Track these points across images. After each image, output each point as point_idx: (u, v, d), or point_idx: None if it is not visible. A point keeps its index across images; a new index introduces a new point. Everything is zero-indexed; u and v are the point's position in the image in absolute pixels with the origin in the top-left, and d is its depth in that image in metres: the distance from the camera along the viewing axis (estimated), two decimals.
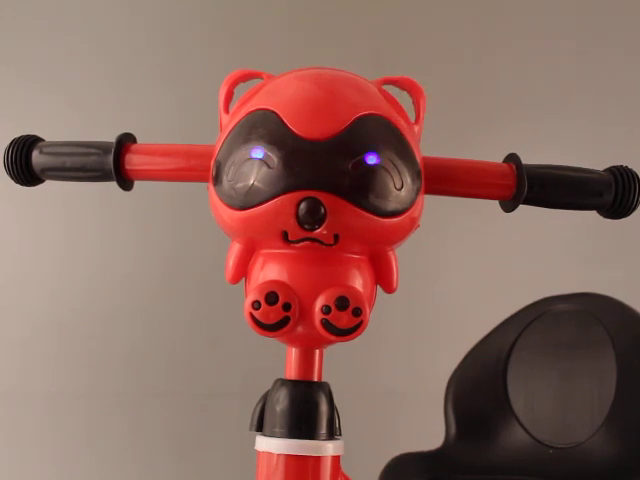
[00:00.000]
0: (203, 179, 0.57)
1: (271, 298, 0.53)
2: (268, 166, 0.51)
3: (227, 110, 0.58)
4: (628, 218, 0.60)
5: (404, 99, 0.59)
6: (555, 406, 0.85)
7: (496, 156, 0.62)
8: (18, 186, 0.63)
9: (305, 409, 0.58)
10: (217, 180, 0.54)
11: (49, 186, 0.64)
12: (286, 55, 1.35)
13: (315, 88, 0.54)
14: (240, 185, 0.52)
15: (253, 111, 0.54)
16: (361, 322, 0.53)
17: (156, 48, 1.39)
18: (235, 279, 0.58)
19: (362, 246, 0.55)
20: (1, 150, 0.61)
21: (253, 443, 0.59)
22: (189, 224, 1.35)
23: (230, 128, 0.55)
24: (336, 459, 0.59)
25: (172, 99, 1.37)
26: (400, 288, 0.59)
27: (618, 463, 0.77)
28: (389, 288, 0.59)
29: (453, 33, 1.40)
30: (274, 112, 0.52)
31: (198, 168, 0.58)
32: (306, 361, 0.59)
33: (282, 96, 0.54)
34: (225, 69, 0.61)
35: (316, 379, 0.60)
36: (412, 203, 0.54)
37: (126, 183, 0.60)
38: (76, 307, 1.37)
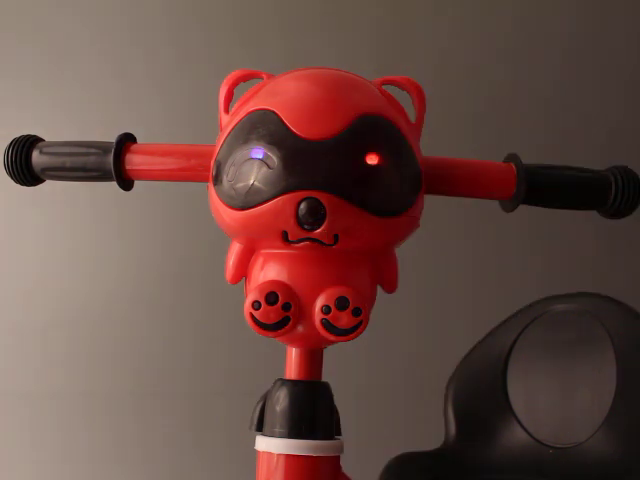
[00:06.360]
0: (203, 179, 0.57)
1: (271, 298, 0.53)
2: (268, 166, 0.51)
3: (227, 110, 0.58)
4: (628, 218, 0.61)
5: (404, 99, 0.59)
6: (555, 406, 0.85)
7: (496, 156, 0.62)
8: (18, 186, 0.63)
9: (305, 409, 0.58)
10: (217, 180, 0.54)
11: (51, 185, 0.64)
12: (286, 55, 1.35)
13: (315, 88, 0.54)
14: (240, 185, 0.52)
15: (253, 111, 0.54)
16: (361, 322, 0.53)
17: (156, 48, 1.39)
18: (235, 279, 0.58)
19: (362, 246, 0.55)
20: (1, 150, 0.61)
21: (253, 443, 0.59)
22: (189, 224, 1.35)
23: (230, 128, 0.55)
24: (336, 459, 0.59)
25: (172, 99, 1.37)
26: (400, 288, 0.59)
27: (618, 463, 0.77)
28: (389, 288, 0.59)
29: (453, 33, 1.40)
30: (274, 112, 0.52)
31: (198, 168, 0.58)
32: (306, 361, 0.59)
33: (282, 96, 0.54)
34: (225, 69, 0.61)
35: (316, 379, 0.60)
36: (412, 203, 0.54)
37: (126, 183, 0.61)
38: (74, 306, 1.37)
